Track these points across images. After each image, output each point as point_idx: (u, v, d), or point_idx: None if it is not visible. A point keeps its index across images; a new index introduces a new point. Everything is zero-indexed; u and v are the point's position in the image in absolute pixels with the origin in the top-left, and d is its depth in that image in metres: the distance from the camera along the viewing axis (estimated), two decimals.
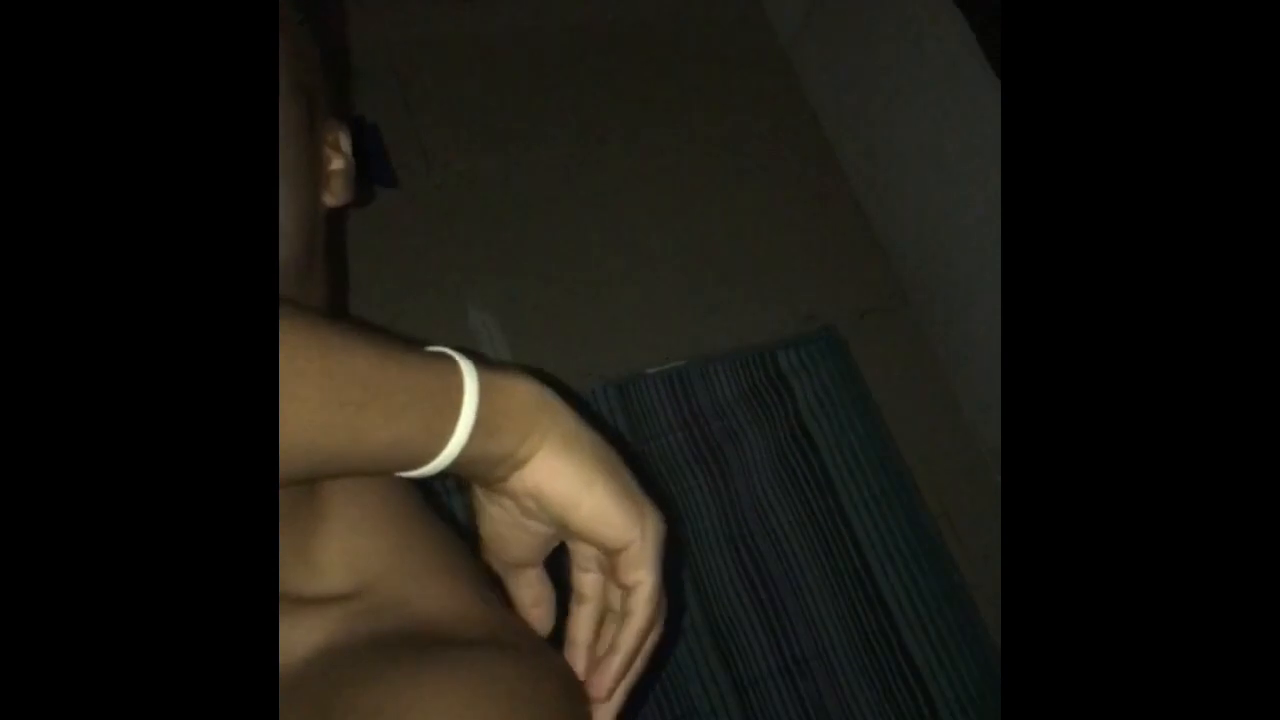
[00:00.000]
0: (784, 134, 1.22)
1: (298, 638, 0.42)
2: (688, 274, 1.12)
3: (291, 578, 0.44)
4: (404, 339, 0.40)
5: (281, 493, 0.36)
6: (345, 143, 0.56)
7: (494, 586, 0.47)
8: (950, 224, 1.09)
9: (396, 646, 0.42)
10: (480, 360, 0.41)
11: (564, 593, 0.47)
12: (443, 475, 0.41)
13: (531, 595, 0.47)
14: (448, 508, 0.91)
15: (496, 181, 1.11)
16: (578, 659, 0.45)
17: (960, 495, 1.08)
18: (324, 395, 0.36)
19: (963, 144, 1.04)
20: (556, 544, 0.46)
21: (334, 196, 0.54)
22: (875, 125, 1.17)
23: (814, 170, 1.21)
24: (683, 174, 1.17)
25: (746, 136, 1.20)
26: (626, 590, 0.43)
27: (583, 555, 0.45)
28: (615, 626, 0.44)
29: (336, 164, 0.54)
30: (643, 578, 0.43)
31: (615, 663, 0.43)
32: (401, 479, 0.41)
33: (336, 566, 0.45)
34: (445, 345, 0.41)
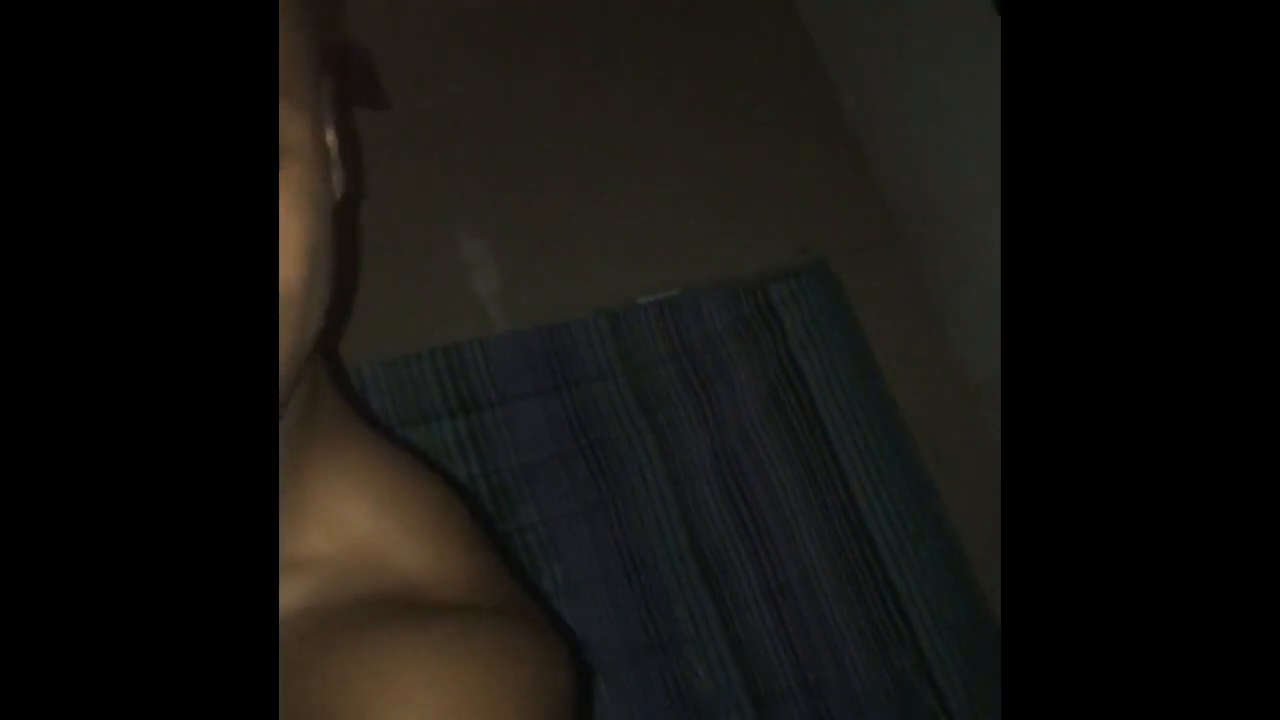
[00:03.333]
0: (782, 64, 1.20)
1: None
2: (682, 204, 1.11)
3: None
4: None
5: None
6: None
7: (494, 546, 0.46)
8: (947, 161, 1.09)
9: (374, 611, 0.40)
10: None
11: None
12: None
13: None
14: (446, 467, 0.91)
15: (490, 106, 1.10)
16: None
17: (947, 430, 1.09)
18: None
19: (962, 80, 1.02)
20: None
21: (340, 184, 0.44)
22: (874, 58, 1.15)
23: (812, 102, 1.19)
24: (679, 103, 1.15)
25: (744, 66, 1.18)
26: None
27: None
28: None
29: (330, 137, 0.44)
30: None
31: None
32: (389, 435, 0.39)
33: (315, 527, 0.43)
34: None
